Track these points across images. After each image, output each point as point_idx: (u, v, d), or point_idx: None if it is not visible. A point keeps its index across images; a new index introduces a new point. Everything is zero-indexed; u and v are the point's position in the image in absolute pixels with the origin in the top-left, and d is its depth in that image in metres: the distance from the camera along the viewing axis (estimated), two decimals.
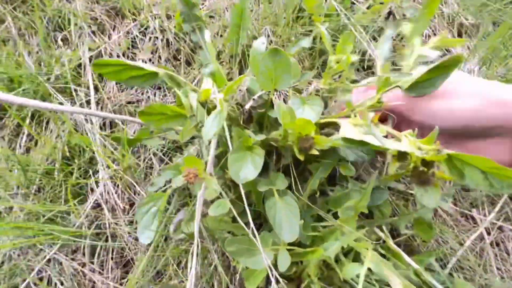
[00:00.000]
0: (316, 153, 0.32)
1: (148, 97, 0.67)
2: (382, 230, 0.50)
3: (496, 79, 0.60)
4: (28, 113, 0.54)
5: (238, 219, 0.36)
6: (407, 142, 0.26)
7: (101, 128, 0.57)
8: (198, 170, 0.29)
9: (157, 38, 0.70)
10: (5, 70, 0.53)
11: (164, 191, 0.48)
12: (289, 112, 0.33)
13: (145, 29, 0.70)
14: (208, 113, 0.38)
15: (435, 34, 0.68)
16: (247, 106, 0.45)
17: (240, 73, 0.65)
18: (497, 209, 0.51)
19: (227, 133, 0.37)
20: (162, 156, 0.58)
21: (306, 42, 0.56)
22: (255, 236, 0.37)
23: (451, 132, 0.30)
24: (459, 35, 0.68)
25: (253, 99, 0.45)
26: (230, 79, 0.65)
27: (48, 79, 0.57)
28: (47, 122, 0.54)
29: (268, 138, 0.45)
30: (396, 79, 0.31)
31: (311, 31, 0.67)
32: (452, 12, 0.67)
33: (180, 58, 0.70)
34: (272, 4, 0.75)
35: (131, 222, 0.48)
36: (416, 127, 0.29)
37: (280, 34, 0.66)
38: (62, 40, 0.65)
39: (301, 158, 0.33)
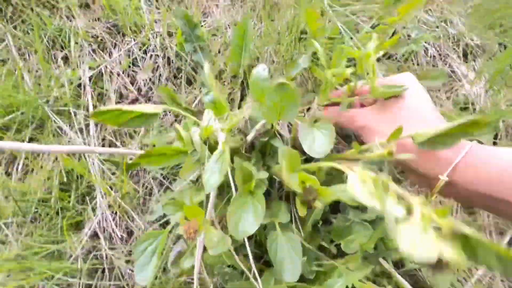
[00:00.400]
0: (320, 206, 0.31)
1: None
2: (386, 260, 0.48)
3: (503, 105, 0.59)
4: (26, 137, 0.53)
5: (238, 262, 0.35)
6: (419, 214, 0.25)
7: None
8: (199, 224, 0.27)
9: (158, 56, 0.69)
10: (3, 93, 0.52)
11: (164, 224, 0.47)
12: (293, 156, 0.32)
13: (146, 47, 0.69)
14: (210, 149, 0.37)
15: (440, 55, 0.67)
16: (249, 137, 0.44)
17: (242, 94, 0.64)
18: (506, 239, 0.50)
19: (229, 175, 0.36)
20: (162, 180, 0.56)
21: (304, 61, 0.55)
22: (254, 268, 0.36)
23: None
24: (465, 55, 0.67)
25: (256, 130, 0.44)
26: (232, 100, 0.64)
27: (47, 101, 0.56)
28: None
29: (271, 172, 0.44)
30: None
31: (315, 52, 0.66)
32: (457, 32, 0.66)
33: (181, 76, 0.69)
34: (275, 21, 0.74)
35: (129, 253, 0.46)
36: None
37: (283, 53, 0.65)
38: (62, 59, 0.65)
39: (303, 211, 0.32)
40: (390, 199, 0.26)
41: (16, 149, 0.30)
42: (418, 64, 0.65)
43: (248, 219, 0.29)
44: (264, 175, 0.38)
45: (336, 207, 0.53)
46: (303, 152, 0.40)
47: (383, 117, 0.37)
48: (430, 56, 0.66)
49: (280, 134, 0.46)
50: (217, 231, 0.30)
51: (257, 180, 0.36)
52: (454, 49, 0.67)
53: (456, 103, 0.60)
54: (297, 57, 0.61)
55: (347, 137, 0.62)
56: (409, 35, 0.65)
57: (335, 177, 0.43)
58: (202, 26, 0.75)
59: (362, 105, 0.44)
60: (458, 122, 0.25)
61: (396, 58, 0.63)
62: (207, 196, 0.41)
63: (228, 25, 0.76)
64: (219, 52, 0.72)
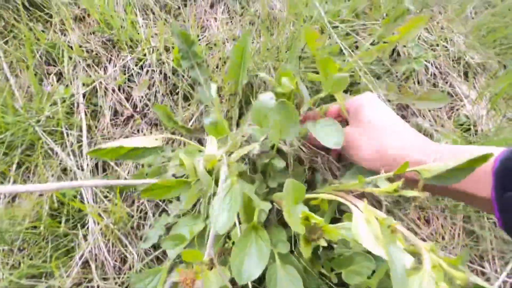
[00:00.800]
0: (325, 244, 0.30)
1: (144, 134, 0.64)
2: None
3: (503, 123, 0.58)
4: (15, 159, 0.51)
5: None
6: (429, 263, 0.24)
7: (92, 172, 0.54)
8: (196, 272, 0.26)
9: (154, 71, 0.68)
10: None
11: (158, 250, 0.45)
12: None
13: (142, 62, 0.68)
14: (214, 180, 0.36)
15: (440, 73, 0.66)
16: (252, 154, 0.42)
17: (240, 112, 0.63)
18: (509, 267, 0.49)
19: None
20: (158, 201, 0.55)
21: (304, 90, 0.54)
22: None
23: None
24: (465, 74, 0.66)
25: (257, 151, 0.43)
26: (230, 118, 0.63)
27: (38, 120, 0.54)
28: (33, 173, 0.51)
29: (270, 198, 0.43)
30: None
31: (315, 68, 0.65)
32: (457, 51, 0.66)
33: (178, 93, 0.67)
34: (274, 36, 0.73)
35: (122, 283, 0.44)
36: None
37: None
38: (55, 75, 0.63)
39: (308, 253, 0.30)
40: (398, 245, 0.24)
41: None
42: (419, 83, 0.64)
43: (252, 261, 0.28)
44: (267, 206, 0.36)
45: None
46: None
47: (359, 133, 0.40)
48: (431, 75, 0.65)
49: (280, 151, 0.45)
50: (215, 275, 0.28)
51: (260, 210, 0.35)
52: (454, 67, 0.66)
53: (458, 123, 0.59)
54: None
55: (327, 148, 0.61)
56: (409, 53, 0.64)
57: (331, 204, 0.42)
58: (199, 40, 0.74)
59: None
60: (468, 158, 0.24)
61: (397, 77, 0.62)
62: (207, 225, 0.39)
63: (227, 39, 0.75)
64: (217, 67, 0.71)
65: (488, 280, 0.50)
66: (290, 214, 0.30)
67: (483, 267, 0.52)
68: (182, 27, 0.75)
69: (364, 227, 0.26)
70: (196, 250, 0.28)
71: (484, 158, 0.25)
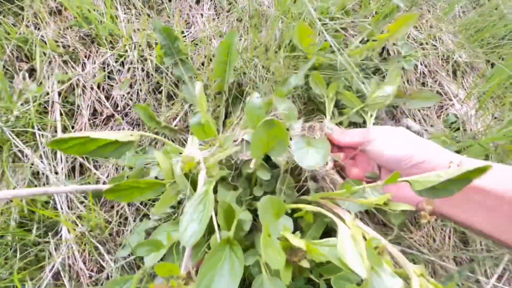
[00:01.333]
0: (307, 265, 0.28)
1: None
2: None
3: (491, 122, 0.58)
4: None
5: None
6: (418, 285, 0.22)
7: (67, 176, 0.51)
8: (172, 286, 0.23)
9: (136, 69, 0.64)
10: None
11: (138, 260, 0.43)
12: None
13: (123, 59, 0.64)
14: (193, 183, 0.33)
15: (429, 72, 0.66)
16: (238, 162, 0.40)
17: (226, 111, 0.60)
18: (499, 270, 0.48)
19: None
20: (140, 205, 0.52)
21: (296, 80, 0.52)
22: None
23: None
24: (454, 73, 0.66)
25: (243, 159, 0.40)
26: (216, 117, 0.60)
27: (7, 121, 0.50)
28: (1, 176, 0.47)
29: (256, 205, 0.41)
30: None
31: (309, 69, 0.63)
32: (446, 49, 0.65)
33: (161, 91, 0.64)
34: (262, 33, 0.71)
35: None
36: None
37: (272, 70, 0.62)
38: (27, 71, 0.59)
39: (287, 278, 0.28)
40: (385, 268, 0.22)
41: None
42: (408, 82, 0.63)
43: (223, 281, 0.25)
44: (247, 216, 0.34)
45: (327, 235, 0.50)
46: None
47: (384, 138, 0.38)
48: (420, 74, 0.65)
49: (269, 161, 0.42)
50: None
51: (239, 221, 0.32)
52: (443, 66, 0.66)
53: (448, 123, 0.59)
54: (286, 74, 0.58)
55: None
56: (399, 52, 0.64)
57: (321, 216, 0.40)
58: (184, 37, 0.71)
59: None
60: (462, 170, 0.22)
61: (386, 75, 0.61)
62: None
63: (213, 36, 0.72)
64: (202, 65, 0.68)
65: (478, 282, 0.50)
66: (267, 236, 0.27)
67: (473, 271, 0.51)
68: (165, 23, 0.72)
69: (350, 246, 0.24)
70: (170, 264, 0.25)
71: (480, 170, 0.23)
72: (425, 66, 0.64)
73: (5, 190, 0.42)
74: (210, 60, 0.68)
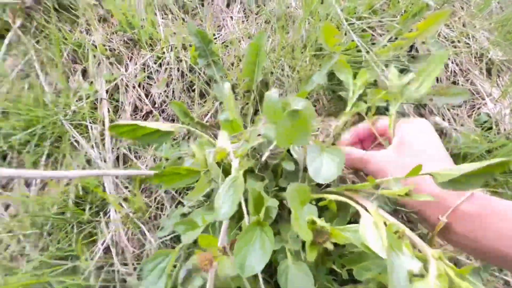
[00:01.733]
0: (331, 247, 0.30)
1: None
2: None
3: None
4: (45, 150, 0.54)
5: (247, 284, 0.35)
6: (435, 269, 0.23)
7: (114, 164, 0.57)
8: (213, 254, 0.27)
9: (172, 69, 0.70)
10: (24, 107, 0.54)
11: (174, 239, 0.47)
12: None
13: (161, 60, 0.70)
14: (224, 170, 0.37)
15: (461, 70, 0.64)
16: (263, 158, 0.44)
17: (255, 109, 0.64)
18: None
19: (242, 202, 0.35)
20: (175, 194, 0.57)
21: (319, 78, 0.54)
22: None
23: None
24: (488, 71, 0.64)
25: (270, 150, 0.44)
26: (245, 115, 0.64)
27: (65, 115, 0.57)
28: (61, 163, 0.55)
29: (282, 195, 0.44)
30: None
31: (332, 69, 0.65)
32: (480, 48, 0.63)
33: (194, 90, 0.69)
34: (289, 34, 0.74)
35: (141, 270, 0.47)
36: None
37: (298, 69, 0.64)
38: (81, 72, 0.67)
39: (312, 256, 0.31)
40: (405, 251, 0.24)
41: (28, 177, 0.31)
42: (438, 80, 0.62)
43: (255, 256, 0.28)
44: (274, 203, 0.37)
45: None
46: None
47: (397, 163, 0.37)
48: (451, 72, 0.63)
49: (292, 155, 0.45)
50: (229, 260, 0.30)
51: (267, 207, 0.36)
52: (476, 64, 0.64)
53: (479, 122, 0.57)
54: (311, 73, 0.61)
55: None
56: (428, 50, 0.63)
57: (345, 206, 0.42)
58: (216, 38, 0.76)
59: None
60: (484, 164, 0.24)
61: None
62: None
63: (242, 38, 0.76)
64: (232, 65, 0.72)
65: (507, 284, 0.49)
66: (296, 218, 0.30)
67: (505, 274, 0.50)
68: (198, 26, 0.77)
69: (372, 231, 0.27)
70: (211, 236, 0.29)
71: (502, 164, 0.24)
72: (457, 65, 0.63)
73: (65, 171, 0.49)
74: (239, 60, 0.72)
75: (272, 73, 0.66)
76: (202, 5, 0.81)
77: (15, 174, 0.29)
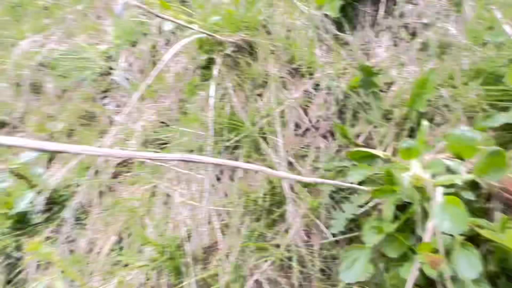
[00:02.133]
0: None
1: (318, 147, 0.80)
2: None
3: None
4: (241, 155, 0.77)
5: None
6: None
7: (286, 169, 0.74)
8: (442, 260, 0.37)
9: (328, 94, 0.83)
10: (224, 121, 0.77)
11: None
12: None
13: (319, 86, 0.85)
14: (423, 196, 0.46)
15: None
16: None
17: (409, 136, 0.70)
18: None
19: None
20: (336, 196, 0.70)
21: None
22: None
23: None
24: None
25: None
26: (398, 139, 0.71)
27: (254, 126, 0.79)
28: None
29: None
30: None
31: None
32: None
33: (345, 113, 0.80)
34: (446, 61, 0.76)
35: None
36: None
37: (459, 99, 0.67)
38: (259, 95, 0.88)
39: None
40: None
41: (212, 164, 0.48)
42: None
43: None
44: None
45: None
46: None
47: None
48: None
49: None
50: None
51: None
52: None
53: None
54: (480, 106, 0.62)
55: None
56: None
57: None
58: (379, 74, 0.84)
59: None
60: None
61: None
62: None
63: (393, 65, 0.83)
64: (381, 91, 0.80)
65: None
66: None
67: None
68: (348, 52, 0.88)
69: None
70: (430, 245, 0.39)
71: None
72: None
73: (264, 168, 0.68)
74: (389, 87, 0.79)
75: (429, 100, 0.71)
76: (352, 34, 0.91)
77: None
